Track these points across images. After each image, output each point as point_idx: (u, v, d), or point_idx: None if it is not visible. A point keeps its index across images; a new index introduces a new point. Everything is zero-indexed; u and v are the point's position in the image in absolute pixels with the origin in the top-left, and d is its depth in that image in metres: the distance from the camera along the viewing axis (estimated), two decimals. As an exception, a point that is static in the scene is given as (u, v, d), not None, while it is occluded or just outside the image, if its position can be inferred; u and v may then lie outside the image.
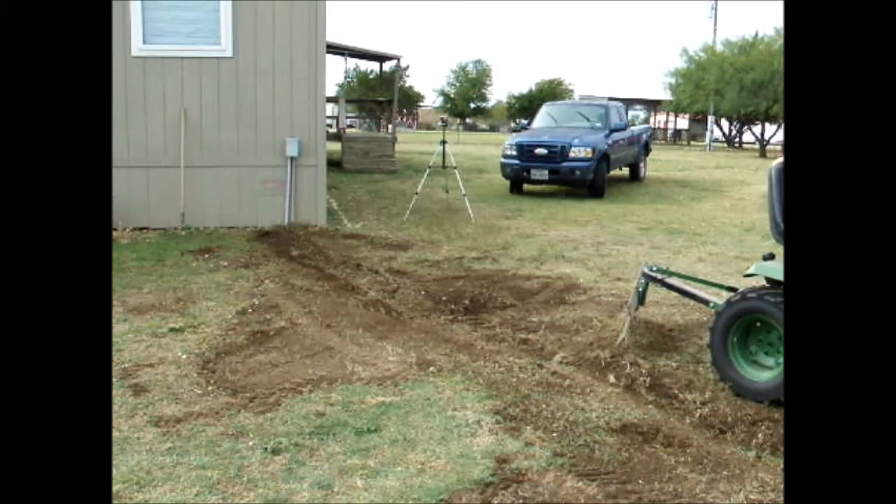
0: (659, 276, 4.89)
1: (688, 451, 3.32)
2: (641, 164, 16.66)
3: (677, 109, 42.00)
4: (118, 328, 4.91)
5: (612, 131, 14.09)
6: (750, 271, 4.10)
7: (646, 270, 4.92)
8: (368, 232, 8.88)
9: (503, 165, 13.55)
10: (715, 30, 46.30)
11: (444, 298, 5.82)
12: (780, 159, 4.08)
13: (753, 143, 37.28)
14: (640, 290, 4.89)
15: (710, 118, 36.94)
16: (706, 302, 4.59)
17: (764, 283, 4.11)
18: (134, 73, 8.47)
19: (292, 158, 8.79)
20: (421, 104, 62.95)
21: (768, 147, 32.85)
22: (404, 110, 54.03)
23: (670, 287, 4.89)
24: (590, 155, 12.88)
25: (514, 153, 13.30)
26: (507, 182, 13.70)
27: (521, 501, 2.88)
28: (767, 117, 32.00)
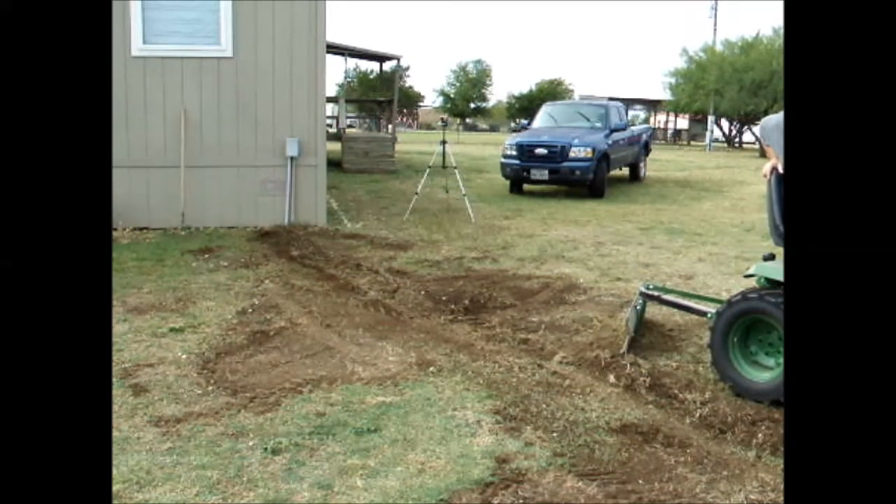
0: (655, 293, 5.00)
1: (688, 451, 3.32)
2: (641, 164, 16.66)
3: (677, 109, 42.03)
4: (118, 328, 4.91)
5: (612, 131, 14.09)
6: (750, 272, 4.12)
7: (643, 289, 5.02)
8: (368, 232, 8.88)
9: (503, 165, 13.55)
10: (715, 30, 46.49)
11: (444, 298, 5.82)
12: (770, 163, 4.11)
13: (753, 143, 37.24)
14: (639, 309, 4.93)
15: (710, 118, 36.95)
16: (704, 314, 4.61)
17: (764, 283, 4.12)
18: (134, 73, 8.48)
19: (292, 158, 8.80)
20: (421, 104, 62.97)
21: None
22: (404, 110, 54.06)
23: (667, 303, 4.96)
24: (590, 155, 12.88)
25: (514, 153, 13.30)
26: (507, 182, 13.70)
27: (521, 501, 2.87)
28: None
